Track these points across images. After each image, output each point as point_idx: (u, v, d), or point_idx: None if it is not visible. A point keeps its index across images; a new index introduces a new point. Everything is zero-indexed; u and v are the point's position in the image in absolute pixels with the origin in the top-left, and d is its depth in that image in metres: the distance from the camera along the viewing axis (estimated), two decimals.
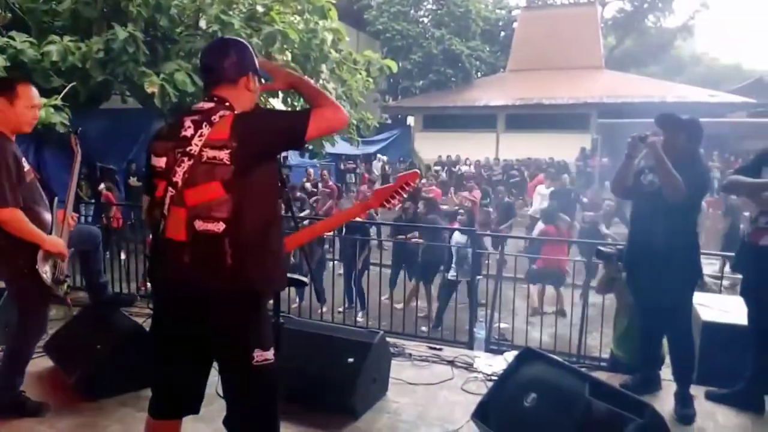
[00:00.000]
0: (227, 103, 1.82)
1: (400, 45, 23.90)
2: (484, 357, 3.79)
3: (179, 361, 1.88)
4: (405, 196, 2.03)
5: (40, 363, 3.21)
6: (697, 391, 3.19)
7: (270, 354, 1.83)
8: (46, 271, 2.68)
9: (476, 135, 21.44)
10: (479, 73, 26.36)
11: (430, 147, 21.17)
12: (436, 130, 22.53)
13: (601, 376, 3.39)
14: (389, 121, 24.37)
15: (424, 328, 5.95)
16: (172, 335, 1.86)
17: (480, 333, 3.92)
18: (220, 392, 1.92)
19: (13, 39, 8.31)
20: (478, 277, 5.84)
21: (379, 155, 19.41)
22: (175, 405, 1.95)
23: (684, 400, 3.01)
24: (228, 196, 1.71)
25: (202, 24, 9.72)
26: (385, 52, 23.30)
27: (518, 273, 6.62)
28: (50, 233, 2.73)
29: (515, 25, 26.55)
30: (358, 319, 6.33)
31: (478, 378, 3.40)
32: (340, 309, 6.17)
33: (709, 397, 3.19)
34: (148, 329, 2.93)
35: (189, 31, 9.86)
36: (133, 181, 10.83)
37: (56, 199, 2.88)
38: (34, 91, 2.73)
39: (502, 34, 27.89)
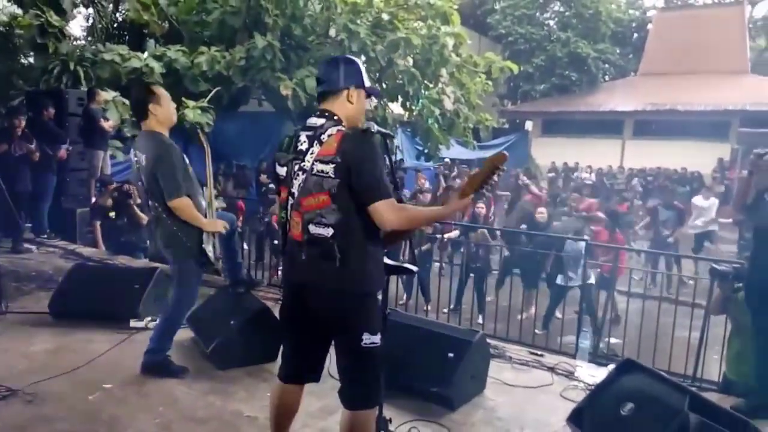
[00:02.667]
0: (335, 117, 2.07)
1: (522, 48, 23.45)
2: (586, 367, 3.77)
3: (302, 338, 2.20)
4: (497, 180, 2.03)
5: (183, 333, 3.72)
6: None
7: (377, 338, 2.08)
8: (210, 250, 3.17)
9: (599, 141, 20.45)
10: (607, 77, 25.12)
11: (549, 153, 20.55)
12: (555, 136, 21.83)
13: (712, 397, 3.27)
14: (506, 126, 24.00)
15: (538, 331, 5.90)
16: (296, 317, 2.18)
17: (584, 343, 3.89)
18: (332, 373, 2.20)
19: (169, 49, 9.46)
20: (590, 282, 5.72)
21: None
22: (298, 372, 2.26)
23: None
24: (335, 206, 1.98)
25: (332, 33, 10.35)
26: (507, 56, 22.98)
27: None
28: (205, 216, 3.22)
29: (650, 26, 24.94)
30: (478, 321, 6.48)
31: (579, 387, 3.41)
32: (445, 309, 6.32)
33: None
34: (274, 312, 3.33)
35: (320, 39, 10.54)
36: (263, 178, 11.74)
37: (203, 188, 3.37)
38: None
39: (635, 35, 26.33)
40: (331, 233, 1.99)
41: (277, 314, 2.57)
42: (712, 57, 21.23)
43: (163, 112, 3.18)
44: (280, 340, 2.36)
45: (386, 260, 2.24)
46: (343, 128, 2.04)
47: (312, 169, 2.01)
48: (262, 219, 7.82)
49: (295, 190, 2.06)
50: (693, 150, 18.30)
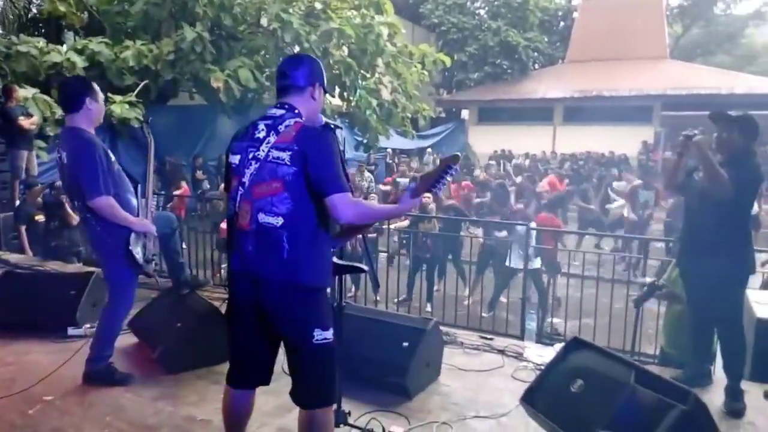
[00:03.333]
0: (296, 111, 2.08)
1: (455, 38, 23.77)
2: (534, 347, 3.90)
3: (250, 338, 2.13)
4: (449, 179, 2.08)
5: (125, 339, 3.55)
6: (750, 387, 3.20)
7: (329, 334, 2.05)
8: (138, 252, 3.02)
9: (532, 128, 21.11)
10: (536, 65, 25.89)
11: (485, 141, 21.05)
12: (490, 124, 22.35)
13: (652, 370, 3.46)
14: (443, 115, 24.33)
15: (484, 314, 6.02)
16: (242, 314, 2.11)
17: (530, 324, 4.01)
18: (287, 369, 2.16)
19: (91, 41, 8.96)
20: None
21: (428, 150, 19.44)
22: (247, 376, 2.20)
23: (734, 394, 3.03)
24: (287, 194, 1.94)
25: (264, 22, 10.12)
26: (441, 45, 23.25)
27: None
28: (137, 216, 3.07)
29: (575, 15, 25.89)
30: (426, 309, 6.56)
31: (528, 367, 3.52)
32: (396, 299, 6.36)
33: None
34: (222, 311, 3.24)
35: (251, 29, 10.27)
36: (199, 174, 11.39)
37: (139, 186, 3.22)
38: None
39: (561, 24, 27.22)
40: (280, 223, 1.94)
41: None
42: (633, 43, 22.29)
43: (98, 108, 3.07)
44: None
45: (335, 260, 2.23)
46: (302, 120, 2.04)
47: (267, 156, 1.98)
48: (200, 216, 7.59)
49: (246, 179, 2.01)
50: (619, 134, 19.22)
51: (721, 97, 17.78)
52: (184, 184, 9.88)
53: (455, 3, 24.12)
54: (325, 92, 2.21)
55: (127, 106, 8.20)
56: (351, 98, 11.05)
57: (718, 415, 3.00)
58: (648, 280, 4.33)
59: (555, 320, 5.65)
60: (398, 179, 11.65)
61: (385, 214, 2.37)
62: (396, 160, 14.64)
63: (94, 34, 9.48)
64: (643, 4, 23.36)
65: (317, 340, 2.01)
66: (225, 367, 2.24)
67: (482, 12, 25.18)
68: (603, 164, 17.31)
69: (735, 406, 2.99)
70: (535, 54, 24.94)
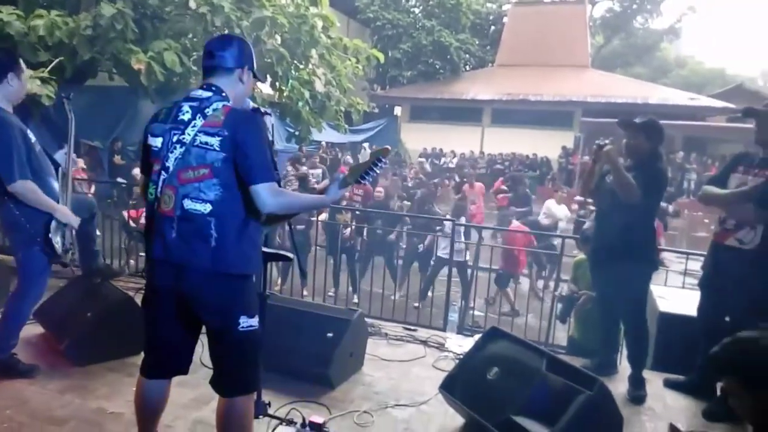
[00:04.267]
0: (223, 93, 2.00)
1: (390, 34, 23.92)
2: (455, 338, 4.01)
3: (169, 326, 2.05)
4: (378, 172, 2.10)
5: (31, 329, 3.33)
6: (651, 376, 3.44)
7: (255, 321, 2.02)
8: (57, 241, 2.84)
9: (462, 128, 21.66)
10: (468, 66, 26.50)
11: (417, 138, 21.36)
12: (422, 122, 22.71)
13: (563, 359, 3.65)
14: (377, 110, 24.44)
15: (416, 304, 6.11)
16: (162, 302, 2.03)
17: (452, 316, 4.12)
18: (204, 361, 2.10)
19: (1, 11, 8.26)
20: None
21: (365, 145, 19.50)
22: (164, 366, 2.12)
23: (636, 383, 3.25)
24: (216, 181, 1.89)
25: (192, 4, 9.71)
26: (375, 41, 23.32)
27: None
28: (58, 202, 2.88)
29: (505, 19, 26.71)
30: (353, 301, 6.53)
31: (449, 357, 3.61)
32: (330, 293, 6.32)
33: (667, 384, 3.42)
34: (137, 301, 3.10)
35: (179, 10, 9.84)
36: (117, 159, 10.83)
37: (60, 168, 3.02)
38: None
39: (492, 28, 28.01)
40: (208, 210, 1.89)
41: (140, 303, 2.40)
42: (558, 51, 23.29)
43: (20, 86, 2.83)
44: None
45: (263, 248, 2.19)
46: (230, 104, 1.97)
47: (194, 140, 1.91)
48: (116, 203, 7.22)
49: (170, 163, 1.92)
50: (542, 137, 20.05)
51: (637, 106, 18.92)
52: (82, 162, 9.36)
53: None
54: (255, 77, 2.14)
55: (38, 82, 7.63)
56: (283, 88, 10.83)
57: (621, 401, 3.21)
58: (564, 293, 4.55)
59: (476, 312, 5.83)
60: (310, 170, 11.62)
61: (311, 205, 2.34)
62: (328, 154, 14.56)
63: (4, 3, 8.77)
64: (567, 14, 24.46)
65: (243, 327, 1.97)
66: (139, 359, 2.16)
67: (417, 10, 25.48)
68: (527, 165, 18.00)
69: (637, 394, 3.21)
70: (467, 56, 25.51)
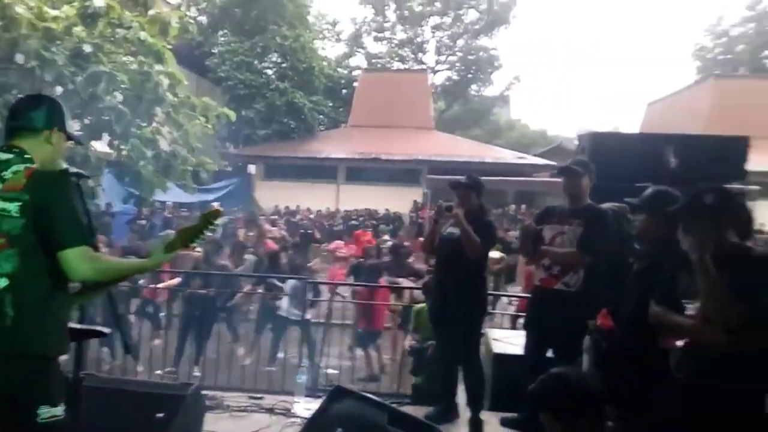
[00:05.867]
0: (26, 155, 1.83)
1: (243, 93, 23.87)
2: (303, 402, 3.88)
3: None
4: (210, 234, 2.05)
5: None
6: (489, 416, 3.61)
7: (59, 410, 1.79)
8: None
9: (317, 185, 21.99)
10: (322, 126, 27.22)
11: (272, 196, 21.17)
12: (277, 180, 22.65)
13: (409, 409, 3.70)
14: (230, 169, 23.92)
15: (267, 368, 5.82)
16: None
17: (301, 378, 4.01)
18: None
19: None
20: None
21: (214, 204, 18.84)
22: None
23: (475, 425, 3.40)
24: (13, 251, 1.70)
25: (19, 59, 8.91)
26: (228, 100, 23.07)
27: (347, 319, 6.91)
28: None
29: (355, 84, 28.06)
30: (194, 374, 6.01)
31: (296, 423, 3.48)
32: (168, 369, 5.75)
33: (503, 423, 3.61)
34: None
35: (3, 64, 8.97)
36: None
37: None
38: None
39: (344, 91, 29.25)
40: (4, 284, 1.69)
41: None
42: (405, 114, 24.93)
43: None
44: None
45: (72, 324, 1.98)
46: (33, 166, 1.80)
47: None
48: None
49: None
50: (394, 193, 21.06)
51: (475, 164, 20.67)
52: None
53: (243, 60, 24.33)
54: (68, 138, 2.00)
55: None
56: (122, 147, 10.19)
57: None
58: (413, 344, 4.65)
59: (329, 371, 5.75)
60: None
61: (132, 270, 2.17)
62: (172, 214, 13.83)
63: None
64: (412, 81, 26.44)
65: (43, 418, 1.73)
66: None
67: (270, 72, 25.82)
68: (379, 220, 18.63)
69: None
70: (321, 116, 26.26)
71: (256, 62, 25.28)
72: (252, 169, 24.47)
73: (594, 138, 4.20)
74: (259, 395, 4.00)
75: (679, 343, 2.25)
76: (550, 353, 3.40)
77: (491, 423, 3.53)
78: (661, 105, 29.97)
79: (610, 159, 3.97)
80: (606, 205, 3.39)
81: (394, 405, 3.70)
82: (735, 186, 3.74)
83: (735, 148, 4.06)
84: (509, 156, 22.88)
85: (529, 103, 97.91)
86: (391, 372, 6.03)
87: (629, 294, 2.65)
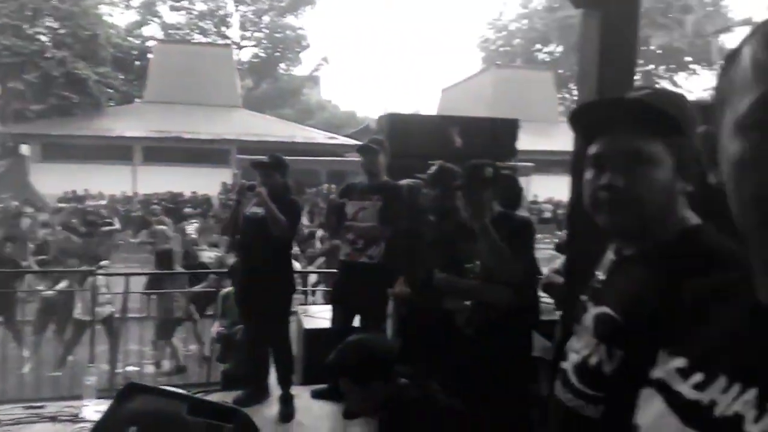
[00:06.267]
0: None
1: (9, 62, 20.40)
2: (93, 405, 3.49)
3: None
4: None
5: None
6: (301, 391, 3.64)
7: None
8: None
9: (110, 167, 19.85)
10: (111, 102, 24.56)
11: (54, 180, 18.57)
12: (59, 161, 19.88)
13: (219, 396, 3.57)
14: None
15: (53, 373, 5.10)
16: None
17: (90, 380, 3.59)
18: None
19: None
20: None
21: None
22: None
23: (285, 402, 3.40)
24: None
25: None
26: None
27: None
28: None
29: (150, 55, 25.79)
30: None
31: (85, 428, 3.12)
32: None
33: (314, 395, 3.66)
34: None
35: None
36: None
37: None
38: None
39: (137, 63, 26.69)
40: None
41: None
42: (209, 90, 23.68)
43: None
44: None
45: None
46: None
47: None
48: None
49: None
50: (200, 175, 19.95)
51: (286, 144, 20.52)
52: None
53: (8, 24, 20.76)
54: None
55: None
56: None
57: (273, 422, 3.32)
58: (221, 331, 4.46)
59: (129, 368, 5.29)
60: None
61: None
62: None
63: None
64: (215, 55, 25.16)
65: None
66: None
67: (44, 38, 22.43)
68: (184, 203, 17.61)
69: (286, 412, 3.37)
70: (110, 90, 23.66)
71: (26, 26, 21.76)
72: (25, 149, 21.16)
73: (391, 119, 4.41)
74: (39, 404, 3.50)
75: (467, 302, 2.48)
76: (357, 324, 3.54)
77: (303, 397, 3.57)
78: (454, 90, 32.89)
79: (406, 139, 4.21)
80: (403, 182, 3.59)
81: (200, 394, 3.57)
82: (509, 163, 4.23)
83: (508, 129, 4.58)
84: (320, 136, 23.14)
85: (339, 85, 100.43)
86: (198, 361, 5.76)
87: (422, 262, 2.86)
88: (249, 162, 3.93)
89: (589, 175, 1.01)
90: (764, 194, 0.46)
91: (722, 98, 0.52)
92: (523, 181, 3.79)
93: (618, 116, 0.98)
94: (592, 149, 1.01)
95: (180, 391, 2.75)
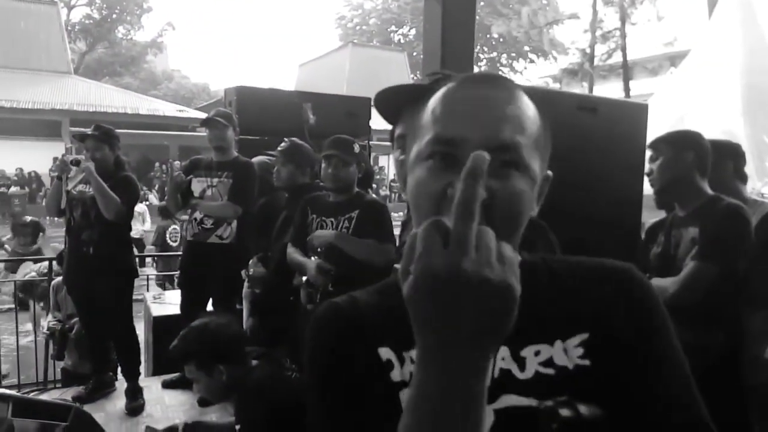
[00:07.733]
0: None
1: None
2: None
3: None
4: None
5: None
6: (151, 382, 3.47)
7: None
8: None
9: None
10: None
11: None
12: None
13: (56, 393, 3.28)
14: None
15: None
16: None
17: None
18: None
19: None
20: None
21: None
22: None
23: (133, 394, 3.21)
24: None
25: None
26: None
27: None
28: None
29: None
30: None
31: None
32: None
33: (165, 385, 3.49)
34: None
35: None
36: None
37: None
38: None
39: None
40: None
41: None
42: (33, 54, 20.98)
43: None
44: None
45: None
46: None
47: None
48: None
49: None
50: (27, 149, 17.71)
51: (127, 116, 18.91)
52: None
53: None
54: None
55: None
56: None
57: (121, 416, 3.13)
58: (54, 325, 4.03)
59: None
60: None
61: None
62: None
63: None
64: (39, 13, 22.26)
65: None
66: None
67: None
68: (11, 182, 15.61)
69: (134, 404, 3.18)
70: None
71: None
72: None
73: (240, 92, 4.20)
74: None
75: (304, 278, 2.47)
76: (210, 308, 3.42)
77: (153, 388, 3.40)
78: (311, 66, 32.58)
79: (257, 114, 4.08)
80: (256, 159, 3.50)
81: (34, 393, 3.25)
82: (362, 141, 4.31)
83: (361, 108, 4.64)
84: (168, 108, 21.58)
85: (190, 55, 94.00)
86: (30, 359, 5.19)
87: (276, 241, 2.84)
88: (77, 135, 3.57)
89: (396, 155, 1.16)
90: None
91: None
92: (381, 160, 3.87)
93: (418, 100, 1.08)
94: (398, 130, 1.16)
95: (1, 391, 2.49)
